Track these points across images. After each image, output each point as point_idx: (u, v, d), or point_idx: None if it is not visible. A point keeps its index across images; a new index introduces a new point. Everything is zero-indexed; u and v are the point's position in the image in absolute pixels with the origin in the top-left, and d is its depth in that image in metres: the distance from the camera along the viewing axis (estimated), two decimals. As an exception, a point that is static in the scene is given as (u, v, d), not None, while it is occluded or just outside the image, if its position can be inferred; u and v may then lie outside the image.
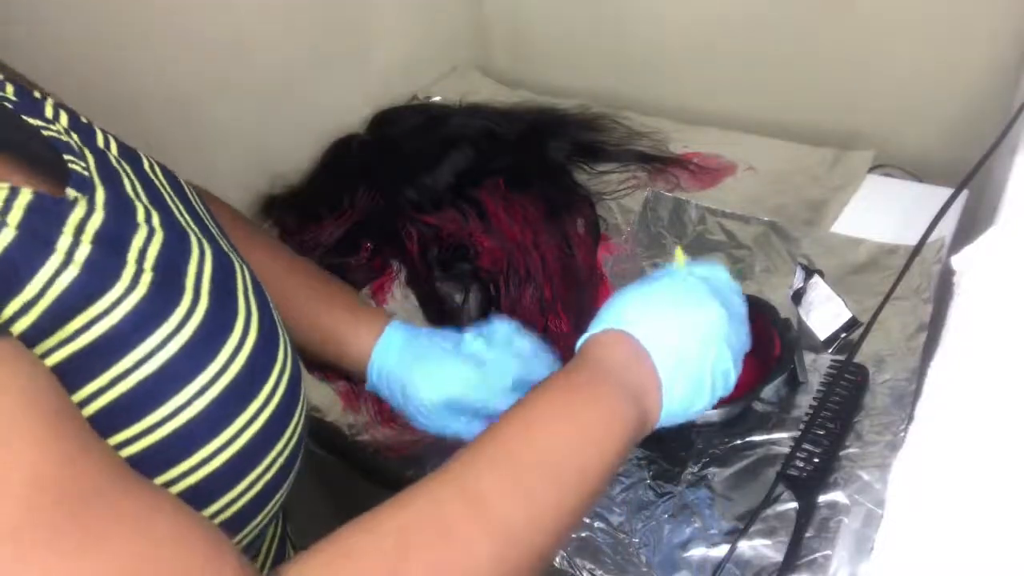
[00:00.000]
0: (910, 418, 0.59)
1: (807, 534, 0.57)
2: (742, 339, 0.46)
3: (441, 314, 0.79)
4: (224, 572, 0.28)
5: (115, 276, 0.32)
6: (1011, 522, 0.38)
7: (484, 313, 0.78)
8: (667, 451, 0.65)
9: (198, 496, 0.33)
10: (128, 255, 0.33)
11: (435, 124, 0.99)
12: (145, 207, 0.36)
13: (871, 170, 0.90)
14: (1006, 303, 0.46)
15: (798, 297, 0.73)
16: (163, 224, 0.36)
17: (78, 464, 0.26)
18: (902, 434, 0.61)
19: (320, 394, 0.75)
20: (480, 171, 0.90)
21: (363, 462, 0.71)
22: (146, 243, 0.34)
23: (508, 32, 1.21)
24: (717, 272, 0.48)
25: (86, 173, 0.35)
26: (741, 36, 0.98)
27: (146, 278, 0.33)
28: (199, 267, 0.36)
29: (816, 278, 0.73)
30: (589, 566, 0.59)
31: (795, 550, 0.56)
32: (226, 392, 0.34)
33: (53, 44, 0.70)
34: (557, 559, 0.59)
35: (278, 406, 0.36)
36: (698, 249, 0.83)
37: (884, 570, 0.41)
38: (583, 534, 0.60)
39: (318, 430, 0.74)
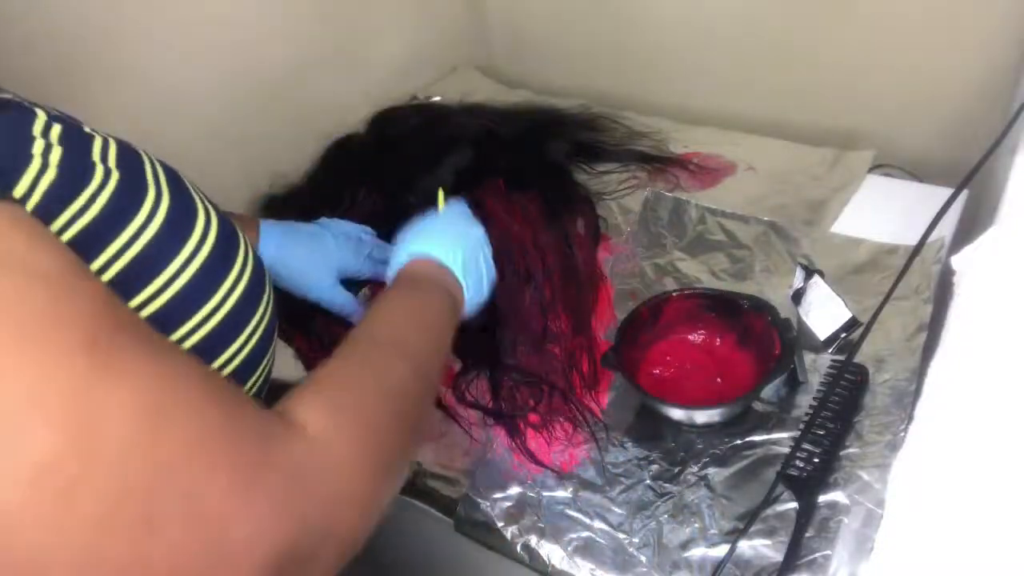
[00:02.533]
0: (910, 418, 0.59)
1: (807, 534, 0.57)
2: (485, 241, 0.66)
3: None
4: (247, 406, 0.34)
5: (88, 176, 0.36)
6: (1011, 522, 0.38)
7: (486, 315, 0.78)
8: (667, 451, 0.65)
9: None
10: (93, 157, 0.37)
11: (435, 124, 0.99)
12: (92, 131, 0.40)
13: (871, 170, 0.90)
14: (1006, 303, 0.46)
15: (798, 297, 0.73)
16: (113, 138, 0.40)
17: (118, 304, 0.31)
18: (902, 434, 0.61)
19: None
20: (480, 171, 0.90)
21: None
22: (104, 147, 0.38)
23: (508, 32, 1.21)
24: (464, 206, 0.69)
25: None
26: (741, 36, 0.98)
27: (114, 176, 0.37)
28: (153, 168, 0.41)
29: (816, 278, 0.73)
30: (589, 566, 0.59)
31: (795, 550, 0.56)
32: (203, 268, 0.40)
33: (53, 44, 0.70)
34: (557, 559, 0.59)
35: (249, 280, 0.44)
36: (698, 249, 0.83)
37: (884, 570, 0.41)
38: (583, 534, 0.60)
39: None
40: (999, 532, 0.38)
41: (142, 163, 0.41)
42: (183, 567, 0.29)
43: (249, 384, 0.45)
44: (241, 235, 0.46)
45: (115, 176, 0.37)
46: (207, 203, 0.44)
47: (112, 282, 0.36)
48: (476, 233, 0.65)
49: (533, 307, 0.75)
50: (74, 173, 0.35)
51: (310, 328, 0.79)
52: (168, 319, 0.38)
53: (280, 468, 0.32)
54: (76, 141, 0.37)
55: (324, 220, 0.77)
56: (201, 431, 0.30)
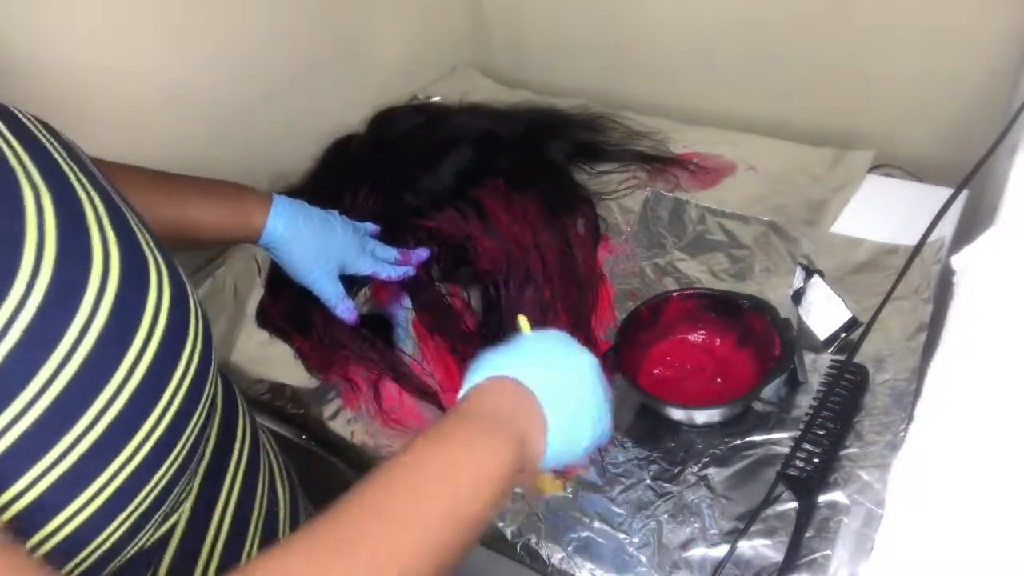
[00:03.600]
0: (910, 418, 0.58)
1: (807, 534, 0.57)
2: (605, 388, 0.49)
3: (439, 316, 0.79)
4: None
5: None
6: (1011, 522, 0.38)
7: (485, 314, 0.78)
8: (667, 451, 0.65)
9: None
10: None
11: (435, 124, 0.99)
12: None
13: (871, 170, 0.89)
14: (1006, 303, 0.46)
15: (798, 297, 0.73)
16: None
17: None
18: (902, 434, 0.61)
19: (321, 396, 0.75)
20: (480, 171, 0.90)
21: (364, 463, 0.71)
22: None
23: (508, 32, 1.21)
24: (565, 335, 0.50)
25: None
26: (741, 36, 0.98)
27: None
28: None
29: (816, 278, 0.73)
30: (589, 566, 0.59)
31: (795, 550, 0.56)
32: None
33: (54, 44, 0.70)
34: (557, 559, 0.59)
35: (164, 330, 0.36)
36: (698, 249, 0.83)
37: (884, 570, 0.41)
38: (583, 534, 0.60)
39: (318, 432, 0.74)
40: (999, 532, 0.38)
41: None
42: None
43: (188, 430, 0.39)
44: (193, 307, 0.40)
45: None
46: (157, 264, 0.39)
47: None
48: (587, 359, 0.48)
49: (533, 307, 0.75)
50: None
51: (310, 327, 0.79)
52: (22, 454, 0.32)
53: None
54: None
55: (335, 212, 0.75)
56: None
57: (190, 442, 0.39)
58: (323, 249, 0.70)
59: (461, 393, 0.45)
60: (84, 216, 0.36)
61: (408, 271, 0.77)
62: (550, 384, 0.44)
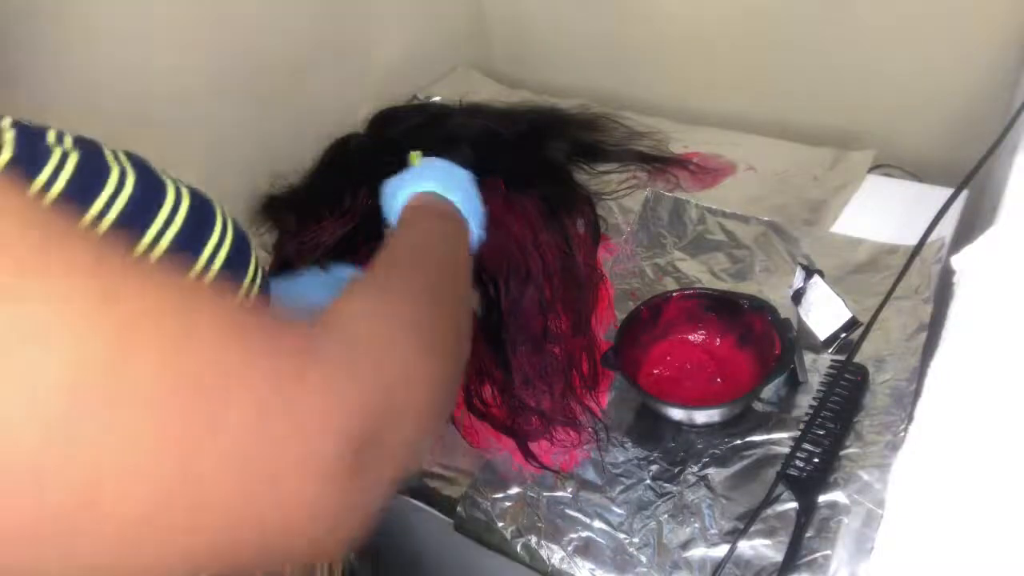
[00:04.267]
0: (910, 418, 0.59)
1: (807, 534, 0.57)
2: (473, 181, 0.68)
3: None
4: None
5: (44, 155, 0.36)
6: (1011, 522, 0.38)
7: (485, 314, 0.78)
8: (667, 451, 0.65)
9: None
10: (48, 139, 0.38)
11: (435, 124, 0.99)
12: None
13: (871, 170, 0.89)
14: (1006, 303, 0.46)
15: (798, 297, 0.73)
16: (67, 132, 0.41)
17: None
18: (902, 434, 0.61)
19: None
20: (480, 171, 0.90)
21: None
22: (59, 135, 0.39)
23: (508, 32, 1.21)
24: (443, 160, 0.69)
25: None
26: (741, 36, 0.98)
27: (72, 156, 0.38)
28: (115, 152, 0.41)
29: (816, 278, 0.73)
30: (589, 566, 0.59)
31: (795, 550, 0.56)
32: (177, 237, 0.40)
33: (54, 44, 0.70)
34: (557, 559, 0.59)
35: (230, 249, 0.43)
36: (698, 249, 0.83)
37: (884, 570, 0.41)
38: (583, 534, 0.60)
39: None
40: (999, 532, 0.38)
41: (100, 147, 0.41)
42: (243, 481, 0.27)
43: None
44: (218, 207, 0.45)
45: (73, 155, 0.38)
46: (178, 183, 0.44)
47: None
48: (465, 173, 0.68)
49: (533, 307, 0.75)
50: (32, 153, 0.36)
51: None
52: None
53: (324, 353, 0.31)
54: (28, 130, 0.38)
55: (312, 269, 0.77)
56: (233, 322, 0.28)
57: None
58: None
59: (394, 213, 0.62)
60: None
61: None
62: (460, 193, 0.63)
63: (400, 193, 0.62)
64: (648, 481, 0.63)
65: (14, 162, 0.35)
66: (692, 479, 0.62)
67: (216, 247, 0.43)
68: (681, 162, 0.93)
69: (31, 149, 0.36)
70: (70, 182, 0.37)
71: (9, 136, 0.36)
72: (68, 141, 0.40)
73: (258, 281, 0.46)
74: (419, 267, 0.48)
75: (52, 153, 0.37)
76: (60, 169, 0.37)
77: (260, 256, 0.48)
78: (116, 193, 0.39)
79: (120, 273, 0.26)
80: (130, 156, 0.43)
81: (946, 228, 0.75)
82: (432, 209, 0.61)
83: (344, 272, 0.75)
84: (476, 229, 0.64)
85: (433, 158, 0.70)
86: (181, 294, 0.28)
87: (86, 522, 0.24)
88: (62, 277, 0.24)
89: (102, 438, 0.23)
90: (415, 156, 0.72)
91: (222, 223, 0.44)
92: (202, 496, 0.26)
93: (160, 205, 0.41)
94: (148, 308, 0.26)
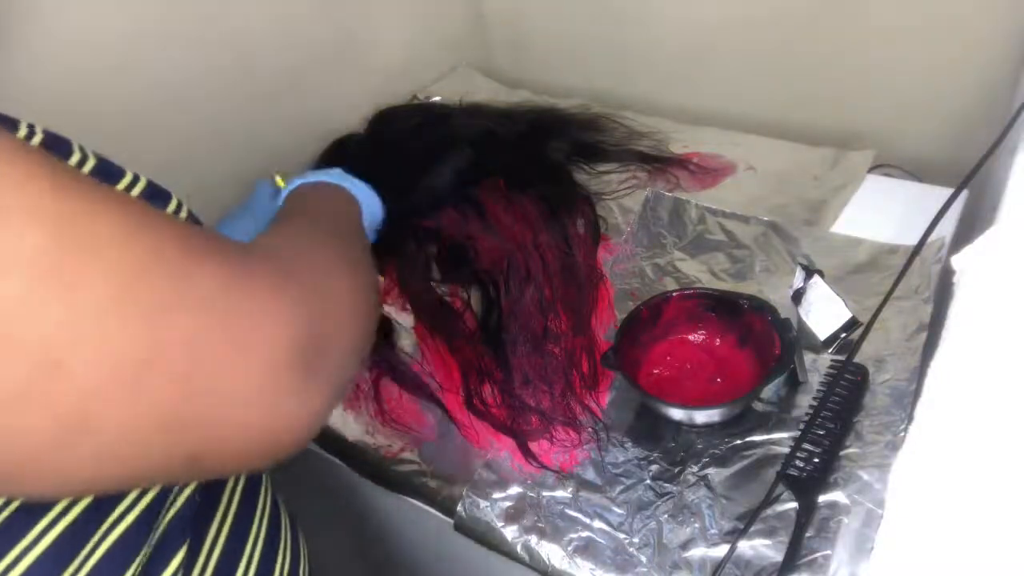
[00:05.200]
0: (910, 418, 0.59)
1: (807, 534, 0.57)
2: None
3: (439, 316, 0.78)
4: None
5: (67, 151, 0.38)
6: (1011, 522, 0.38)
7: (485, 314, 0.78)
8: (667, 451, 0.65)
9: None
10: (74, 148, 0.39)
11: (435, 124, 0.99)
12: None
13: (871, 170, 0.89)
14: (1006, 303, 0.46)
15: (798, 297, 0.73)
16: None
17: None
18: (902, 434, 0.61)
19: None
20: (480, 171, 0.90)
21: (363, 463, 0.71)
22: (83, 154, 0.40)
23: (508, 32, 1.21)
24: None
25: None
26: (741, 36, 0.98)
27: (90, 159, 0.39)
28: (82, 148, 0.42)
29: (816, 278, 0.73)
30: (589, 566, 0.59)
31: (795, 550, 0.56)
32: None
33: (54, 44, 0.70)
34: (557, 559, 0.60)
35: None
36: (698, 249, 0.83)
37: (884, 570, 0.41)
38: (583, 534, 0.60)
39: (319, 432, 0.74)
40: (999, 532, 0.38)
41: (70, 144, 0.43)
42: (201, 354, 0.29)
43: None
44: (174, 195, 0.47)
45: (92, 158, 0.39)
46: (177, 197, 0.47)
47: None
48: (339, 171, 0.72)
49: (533, 307, 0.75)
50: (58, 144, 0.37)
51: None
52: None
53: (266, 263, 0.34)
54: (56, 138, 0.39)
55: (261, 182, 0.81)
56: (184, 229, 0.31)
57: None
58: (250, 224, 0.74)
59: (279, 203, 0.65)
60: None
61: None
62: (337, 173, 0.68)
63: (280, 197, 0.66)
64: (648, 481, 0.63)
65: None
66: (692, 479, 0.62)
67: None
68: (681, 162, 0.93)
69: (56, 150, 0.37)
70: (93, 172, 0.38)
71: (37, 139, 0.37)
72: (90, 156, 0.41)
73: None
74: (323, 222, 0.52)
75: (73, 152, 0.39)
76: (83, 164, 0.38)
77: None
78: (130, 188, 0.41)
79: (82, 179, 0.28)
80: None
81: (946, 228, 0.75)
82: (314, 189, 0.66)
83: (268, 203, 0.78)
84: (366, 200, 0.69)
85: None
86: (133, 202, 0.30)
87: (55, 390, 0.26)
88: (34, 166, 0.26)
89: (72, 307, 0.26)
90: (278, 178, 0.77)
91: (176, 205, 0.47)
92: (164, 371, 0.28)
93: (115, 183, 0.42)
94: (107, 205, 0.28)
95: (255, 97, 0.90)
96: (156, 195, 0.43)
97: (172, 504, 0.42)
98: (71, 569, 0.36)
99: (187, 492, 0.43)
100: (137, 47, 0.77)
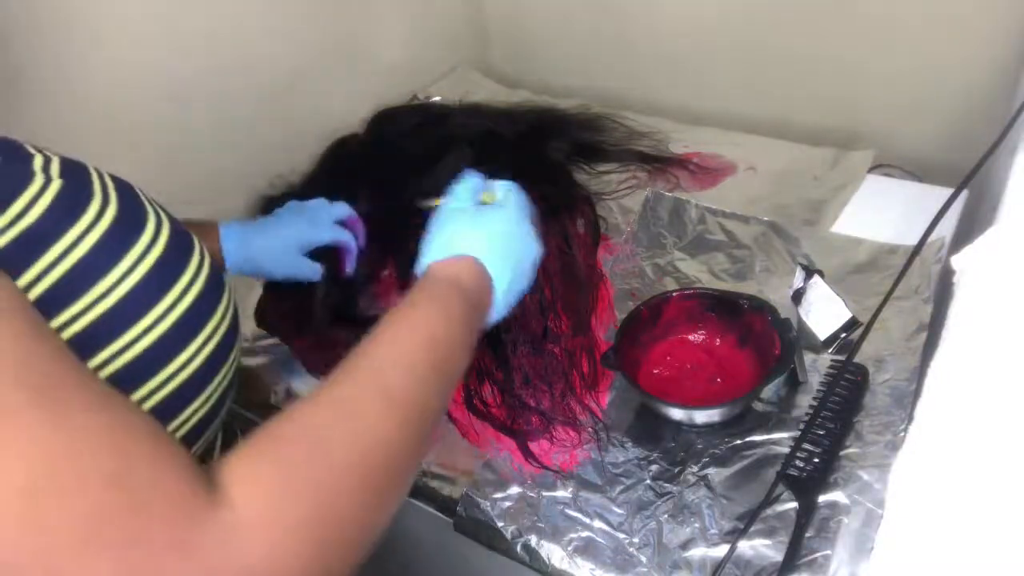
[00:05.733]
0: (910, 418, 0.59)
1: (807, 534, 0.57)
2: (533, 232, 0.59)
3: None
4: (165, 457, 0.31)
5: (25, 182, 0.37)
6: (1011, 522, 0.38)
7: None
8: (667, 451, 0.65)
9: (134, 371, 0.39)
10: (33, 167, 0.38)
11: (435, 124, 0.99)
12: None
13: (871, 170, 0.90)
14: (1006, 303, 0.46)
15: (798, 297, 0.73)
16: (56, 153, 0.41)
17: (44, 355, 0.31)
18: (902, 434, 0.61)
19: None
20: (480, 171, 0.90)
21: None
22: (46, 161, 0.39)
23: (508, 32, 1.21)
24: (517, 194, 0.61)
25: None
26: (741, 36, 0.98)
27: (54, 183, 0.38)
28: (101, 179, 0.41)
29: (816, 278, 0.73)
30: (589, 566, 0.59)
31: (795, 550, 0.56)
32: (150, 273, 0.40)
33: (54, 44, 0.70)
34: (557, 559, 0.59)
35: (203, 287, 0.43)
36: (698, 249, 0.83)
37: (884, 570, 0.41)
38: (583, 534, 0.60)
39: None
40: (999, 532, 0.38)
41: (88, 174, 0.41)
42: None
43: (207, 391, 0.43)
44: (197, 243, 0.45)
45: (56, 184, 0.38)
46: (160, 212, 0.44)
47: (54, 286, 0.36)
48: (531, 240, 0.57)
49: (533, 307, 0.75)
50: (13, 179, 0.36)
51: (308, 327, 0.79)
52: (113, 323, 0.38)
53: (193, 552, 0.29)
54: (15, 155, 0.38)
55: (289, 204, 0.76)
56: (97, 505, 0.28)
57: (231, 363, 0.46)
58: (276, 244, 0.72)
59: (419, 267, 0.53)
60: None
61: (359, 233, 0.80)
62: (494, 253, 0.53)
63: (428, 249, 0.54)
64: (648, 481, 0.63)
65: None
66: (692, 479, 0.62)
67: (191, 282, 0.43)
68: (681, 162, 0.93)
69: (12, 176, 0.37)
70: (47, 210, 0.37)
71: (55, 167, 0.37)
72: (55, 167, 0.40)
73: (225, 323, 0.45)
74: (382, 402, 0.39)
75: (34, 180, 0.37)
76: (38, 198, 0.37)
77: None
78: (94, 223, 0.39)
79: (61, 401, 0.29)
80: (116, 182, 0.43)
81: (946, 228, 0.75)
82: (448, 283, 0.50)
83: (323, 210, 0.75)
84: (502, 309, 0.54)
85: (504, 191, 0.61)
86: (52, 455, 0.29)
87: None
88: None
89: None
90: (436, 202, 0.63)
91: (199, 258, 0.45)
92: None
93: (139, 235, 0.41)
94: (10, 466, 0.28)
95: (255, 97, 0.90)
96: (130, 221, 0.41)
97: None
98: None
99: None
100: (139, 47, 0.77)
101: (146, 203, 0.43)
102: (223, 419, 0.47)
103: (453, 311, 0.47)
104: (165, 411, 0.41)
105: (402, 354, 0.42)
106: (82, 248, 0.38)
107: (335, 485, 0.34)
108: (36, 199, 0.37)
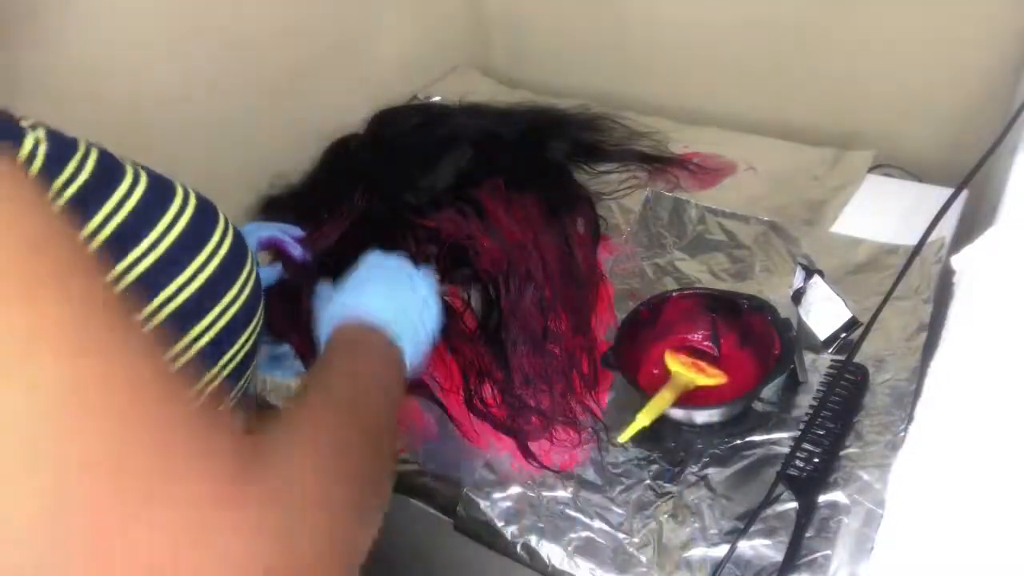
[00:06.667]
0: (910, 418, 0.59)
1: (807, 534, 0.57)
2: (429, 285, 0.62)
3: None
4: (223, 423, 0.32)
5: (71, 152, 0.40)
6: (1011, 522, 0.38)
7: (485, 314, 0.78)
8: (667, 451, 0.65)
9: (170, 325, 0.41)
10: (79, 149, 0.41)
11: (435, 124, 0.99)
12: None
13: (871, 170, 0.89)
14: (1006, 303, 0.46)
15: (798, 297, 0.73)
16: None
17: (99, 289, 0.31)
18: (902, 434, 0.61)
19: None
20: (480, 171, 0.90)
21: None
22: (86, 150, 0.41)
23: (508, 32, 1.21)
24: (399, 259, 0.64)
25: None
26: (741, 36, 0.98)
27: (93, 155, 0.41)
28: (135, 168, 0.44)
29: (816, 278, 0.73)
30: (589, 566, 0.59)
31: (795, 550, 0.56)
32: (182, 235, 0.43)
33: (54, 44, 0.70)
34: (557, 559, 0.60)
35: (229, 249, 0.46)
36: (698, 249, 0.83)
37: (884, 570, 0.41)
38: (583, 534, 0.60)
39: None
40: (999, 532, 0.38)
41: (114, 155, 0.44)
42: (169, 558, 0.27)
43: (230, 354, 0.46)
44: (221, 212, 0.48)
45: (94, 153, 0.41)
46: (183, 185, 0.47)
47: (99, 248, 0.39)
48: (422, 288, 0.61)
49: (533, 307, 0.75)
50: (61, 148, 0.39)
51: (308, 328, 0.79)
52: (149, 283, 0.41)
53: (263, 482, 0.31)
54: (60, 140, 0.41)
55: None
56: (199, 419, 0.29)
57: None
58: None
59: (326, 324, 0.56)
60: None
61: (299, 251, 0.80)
62: (391, 310, 0.56)
63: (337, 305, 0.57)
64: (648, 481, 0.63)
65: (43, 171, 0.38)
66: (692, 479, 0.62)
67: (214, 250, 0.45)
68: (681, 162, 0.93)
69: (60, 156, 0.39)
70: (90, 176, 0.40)
71: (42, 149, 0.38)
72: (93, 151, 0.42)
73: (249, 285, 0.48)
74: (355, 412, 0.45)
75: (78, 150, 0.40)
76: (83, 164, 0.40)
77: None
78: (128, 194, 0.41)
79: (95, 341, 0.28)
80: (138, 164, 0.45)
81: (946, 228, 0.75)
82: (365, 339, 0.55)
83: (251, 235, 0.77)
84: (413, 358, 0.57)
85: (387, 257, 0.64)
86: (140, 384, 0.28)
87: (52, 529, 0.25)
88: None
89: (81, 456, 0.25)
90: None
91: (223, 227, 0.47)
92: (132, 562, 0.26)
93: (165, 210, 0.43)
94: (106, 379, 0.27)
95: (256, 97, 0.90)
96: (158, 191, 0.44)
97: None
98: None
99: None
100: (139, 47, 0.77)
101: (170, 179, 0.47)
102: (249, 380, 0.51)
103: (383, 371, 0.53)
104: (200, 362, 0.44)
105: (354, 384, 0.48)
106: (120, 214, 0.41)
107: (338, 465, 0.39)
108: (81, 167, 0.40)
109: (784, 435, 0.64)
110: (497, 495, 0.64)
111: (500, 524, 0.62)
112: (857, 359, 0.64)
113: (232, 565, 0.28)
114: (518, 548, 0.61)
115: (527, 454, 0.66)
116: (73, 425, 0.26)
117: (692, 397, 0.67)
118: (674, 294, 0.71)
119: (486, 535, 0.63)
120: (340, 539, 0.36)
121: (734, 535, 0.57)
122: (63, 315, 0.27)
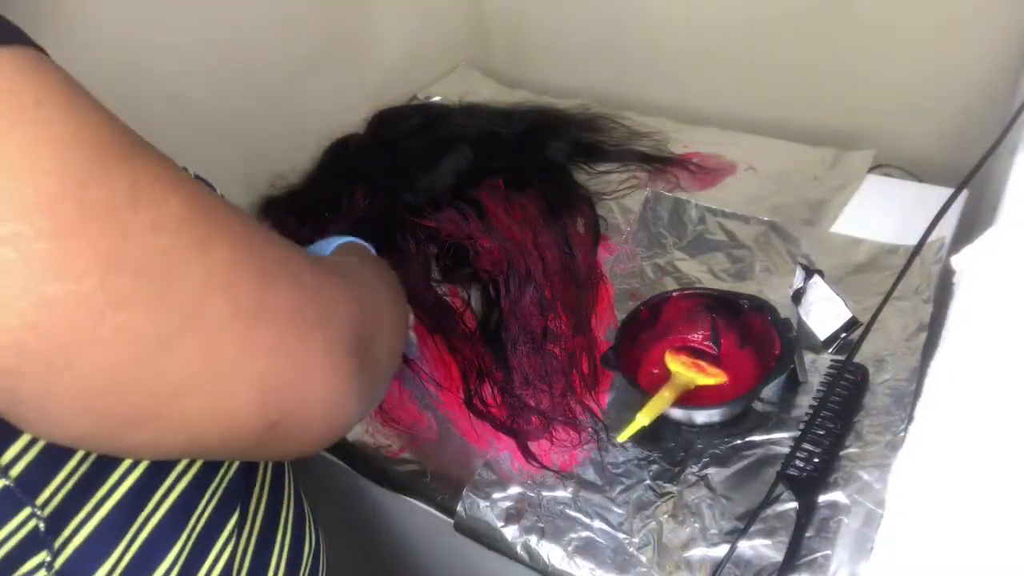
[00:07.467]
0: (910, 418, 0.59)
1: (807, 534, 0.57)
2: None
3: (439, 316, 0.79)
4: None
5: None
6: (1011, 522, 0.38)
7: (485, 314, 0.78)
8: (667, 451, 0.65)
9: None
10: None
11: (435, 124, 0.99)
12: None
13: (871, 170, 0.89)
14: (1006, 303, 0.46)
15: (798, 297, 0.73)
16: None
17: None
18: (902, 434, 0.61)
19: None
20: (480, 171, 0.90)
21: (364, 463, 0.71)
22: None
23: (508, 32, 1.21)
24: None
25: None
26: (741, 36, 0.98)
27: None
28: None
29: (816, 278, 0.73)
30: (589, 566, 0.59)
31: (795, 550, 0.56)
32: None
33: (51, 44, 0.70)
34: (557, 559, 0.60)
35: None
36: (698, 249, 0.83)
37: (884, 570, 0.41)
38: (583, 534, 0.60)
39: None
40: (999, 532, 0.38)
41: None
42: (297, 315, 0.34)
43: None
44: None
45: None
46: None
47: None
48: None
49: (533, 307, 0.75)
50: None
51: None
52: None
53: (329, 263, 0.41)
54: None
55: None
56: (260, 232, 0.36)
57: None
58: None
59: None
60: None
61: None
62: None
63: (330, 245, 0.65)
64: (648, 481, 0.63)
65: None
66: (692, 479, 0.62)
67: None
68: (681, 162, 0.93)
69: None
70: None
71: None
72: None
73: None
74: (383, 277, 0.54)
75: None
76: None
77: None
78: None
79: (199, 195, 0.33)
80: None
81: (946, 228, 0.75)
82: (365, 252, 0.64)
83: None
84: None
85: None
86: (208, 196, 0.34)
87: (188, 342, 0.30)
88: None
89: (206, 267, 0.31)
90: None
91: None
92: (268, 328, 0.32)
93: None
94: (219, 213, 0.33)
95: (255, 97, 0.90)
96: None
97: (225, 473, 0.46)
98: (138, 522, 0.39)
99: (236, 465, 0.47)
100: (138, 46, 0.77)
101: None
102: None
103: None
104: None
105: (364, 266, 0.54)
106: None
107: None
108: None
109: (784, 435, 0.64)
110: (497, 495, 0.64)
111: (500, 524, 0.62)
112: (857, 359, 0.64)
113: (334, 318, 0.36)
114: (518, 548, 0.61)
115: (527, 454, 0.66)
116: (210, 226, 0.32)
117: (692, 397, 0.67)
118: (674, 294, 0.71)
119: (486, 535, 0.63)
120: (390, 317, 0.45)
121: (734, 535, 0.57)
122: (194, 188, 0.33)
